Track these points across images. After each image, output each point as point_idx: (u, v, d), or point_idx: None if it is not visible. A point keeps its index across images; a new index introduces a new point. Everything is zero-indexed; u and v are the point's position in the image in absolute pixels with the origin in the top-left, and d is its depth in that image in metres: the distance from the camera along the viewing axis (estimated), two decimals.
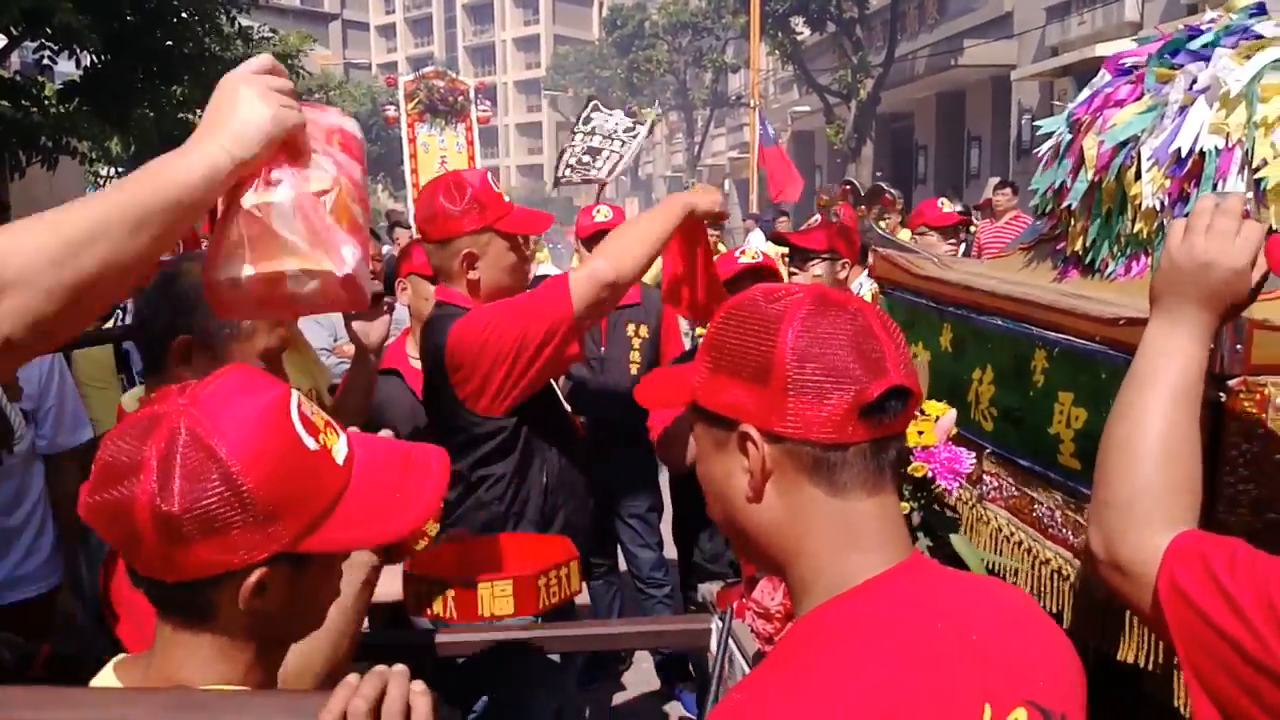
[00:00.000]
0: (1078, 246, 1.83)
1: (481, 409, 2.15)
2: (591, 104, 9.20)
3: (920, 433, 1.50)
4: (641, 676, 4.04)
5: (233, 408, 0.95)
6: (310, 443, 0.98)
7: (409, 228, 11.82)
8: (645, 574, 3.65)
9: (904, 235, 9.50)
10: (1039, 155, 1.99)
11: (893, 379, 0.88)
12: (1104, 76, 1.89)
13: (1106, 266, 1.75)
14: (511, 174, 61.82)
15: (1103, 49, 13.61)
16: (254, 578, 0.95)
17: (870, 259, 2.33)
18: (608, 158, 9.49)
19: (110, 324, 2.79)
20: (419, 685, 0.94)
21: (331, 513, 0.98)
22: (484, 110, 18.65)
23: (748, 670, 2.00)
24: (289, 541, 0.95)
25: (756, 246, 11.90)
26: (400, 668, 0.95)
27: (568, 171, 9.69)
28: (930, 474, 1.49)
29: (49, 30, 8.84)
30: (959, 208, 12.41)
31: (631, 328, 3.53)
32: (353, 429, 1.13)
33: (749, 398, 0.90)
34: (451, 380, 2.15)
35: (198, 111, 12.20)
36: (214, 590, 0.95)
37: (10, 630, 1.87)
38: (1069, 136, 1.88)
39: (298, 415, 0.98)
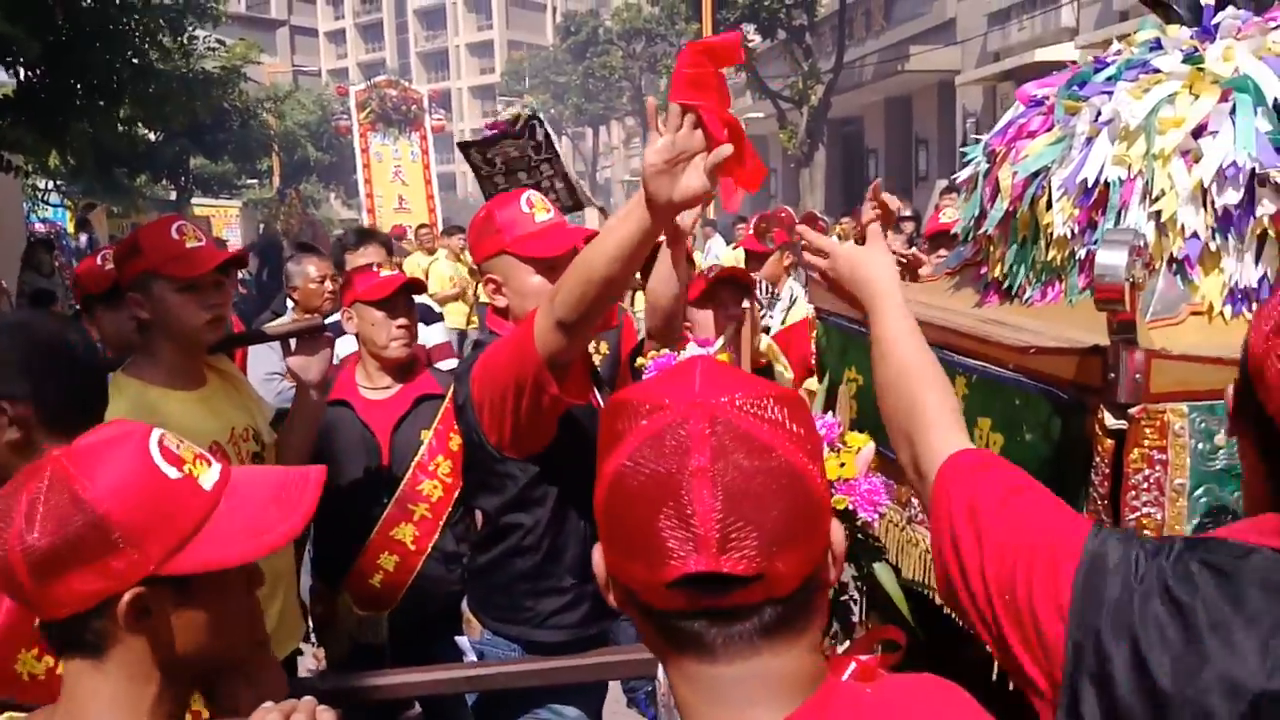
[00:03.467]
0: (997, 272, 1.89)
1: (504, 448, 2.04)
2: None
3: (841, 464, 1.54)
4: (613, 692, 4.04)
5: (97, 451, 1.03)
6: (172, 472, 1.05)
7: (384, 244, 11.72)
8: None
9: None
10: (960, 183, 2.05)
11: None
12: (1017, 107, 1.95)
13: (1024, 292, 1.81)
14: (468, 180, 61.52)
15: (1042, 54, 13.93)
16: (127, 597, 1.00)
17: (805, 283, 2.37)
18: (559, 185, 9.53)
19: None
20: (325, 709, 0.99)
21: (198, 534, 1.05)
22: (438, 119, 18.63)
23: None
24: (158, 563, 1.01)
25: (718, 254, 11.78)
26: (308, 699, 1.02)
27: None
28: (850, 506, 1.53)
29: None
30: (908, 211, 12.58)
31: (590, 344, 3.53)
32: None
33: None
34: (476, 414, 2.05)
35: (139, 127, 12.06)
36: (99, 620, 1.01)
37: None
38: (986, 166, 1.94)
39: (158, 449, 1.06)
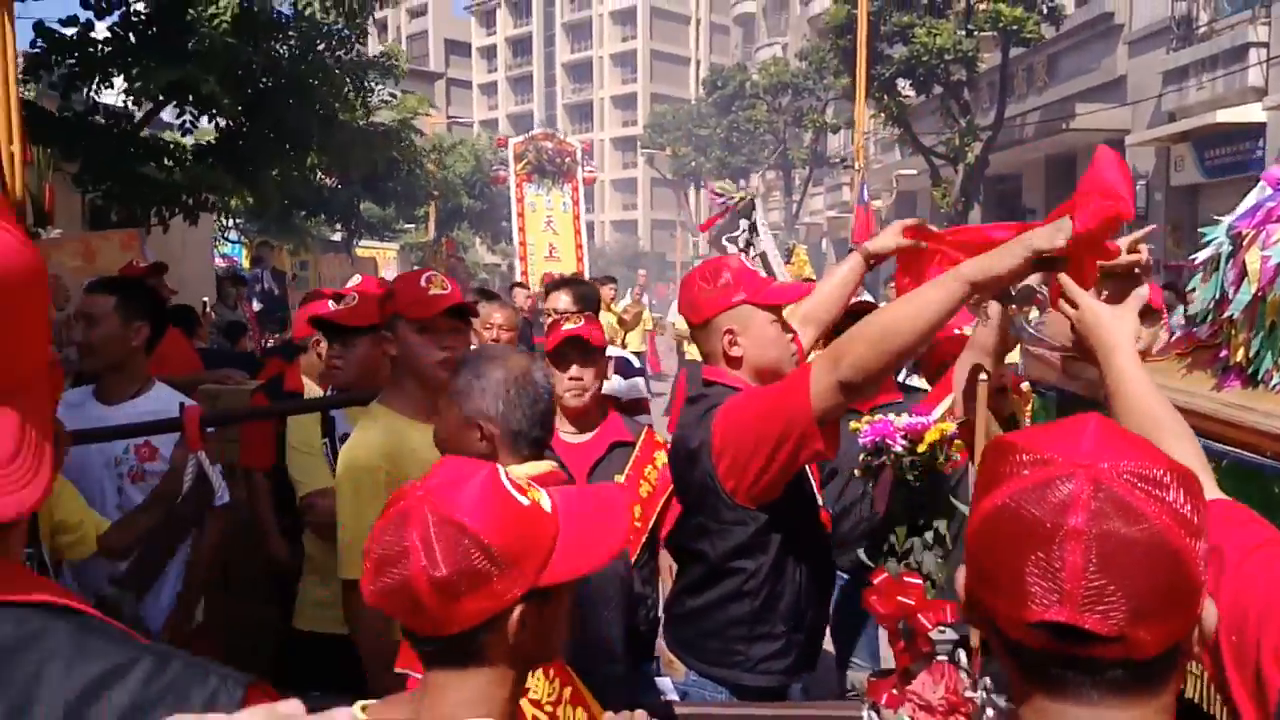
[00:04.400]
0: (1239, 357, 1.87)
1: (739, 496, 2.14)
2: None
3: None
4: None
5: (459, 489, 1.17)
6: (523, 500, 1.21)
7: (526, 287, 12.16)
8: None
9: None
10: (1196, 263, 2.04)
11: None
12: (1264, 189, 1.93)
13: (1271, 378, 1.78)
14: (606, 229, 62.83)
15: (1225, 115, 13.30)
16: (516, 614, 1.16)
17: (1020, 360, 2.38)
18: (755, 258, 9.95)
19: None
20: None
21: (554, 550, 1.21)
22: (589, 170, 19.21)
23: None
24: (532, 580, 1.17)
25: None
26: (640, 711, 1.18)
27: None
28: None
29: (190, 98, 9.48)
30: None
31: None
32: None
33: None
34: (713, 460, 2.15)
35: (321, 177, 12.96)
36: (484, 634, 1.16)
37: None
38: (1229, 248, 1.93)
39: (508, 481, 1.21)
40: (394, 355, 2.40)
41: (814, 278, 14.58)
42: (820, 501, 2.54)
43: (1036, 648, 0.84)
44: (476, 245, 36.02)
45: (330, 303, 3.04)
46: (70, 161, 9.26)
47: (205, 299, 10.50)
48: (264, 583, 3.18)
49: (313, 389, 3.44)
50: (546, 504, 1.25)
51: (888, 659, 2.40)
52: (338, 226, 23.13)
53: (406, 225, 28.72)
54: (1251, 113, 13.02)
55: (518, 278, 17.22)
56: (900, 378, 3.90)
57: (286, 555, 3.06)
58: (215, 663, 0.76)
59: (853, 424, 2.20)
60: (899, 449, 2.07)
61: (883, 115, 18.12)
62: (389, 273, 24.39)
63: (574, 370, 2.85)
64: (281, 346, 5.49)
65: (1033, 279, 1.88)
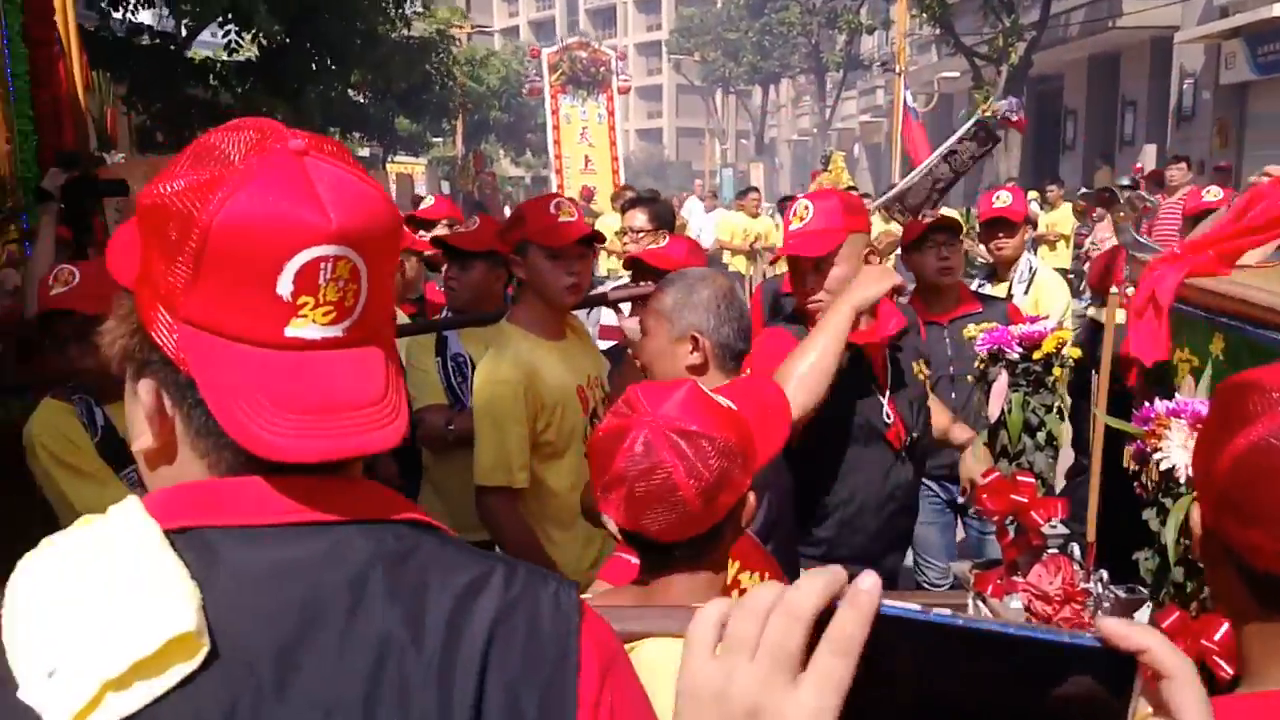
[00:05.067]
0: None
1: None
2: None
3: None
4: None
5: (677, 404, 1.31)
6: (722, 401, 1.37)
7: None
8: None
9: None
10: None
11: None
12: None
13: None
14: (630, 138, 61.95)
15: None
16: (750, 500, 1.35)
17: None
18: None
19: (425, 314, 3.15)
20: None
21: (753, 439, 1.37)
22: (624, 80, 18.90)
23: None
24: (754, 468, 1.34)
25: (700, 224, 11.44)
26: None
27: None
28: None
29: (231, 16, 9.43)
30: (1126, 181, 12.04)
31: None
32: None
33: None
34: None
35: (365, 93, 12.93)
36: (725, 525, 1.32)
37: None
38: None
39: (706, 390, 1.38)
40: (523, 279, 2.50)
41: (855, 185, 14.42)
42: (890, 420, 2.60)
43: None
44: (501, 158, 35.79)
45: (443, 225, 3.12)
46: (119, 83, 9.30)
47: None
48: None
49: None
50: (730, 404, 1.38)
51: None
52: (369, 142, 23.04)
53: (434, 139, 28.53)
54: None
55: (553, 191, 17.19)
56: (974, 286, 3.95)
57: (397, 474, 3.23)
58: (545, 570, 0.84)
59: (967, 331, 2.29)
60: (1015, 355, 2.17)
61: (923, 15, 17.66)
62: (419, 187, 24.37)
63: None
64: None
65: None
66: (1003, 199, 4.11)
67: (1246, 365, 2.10)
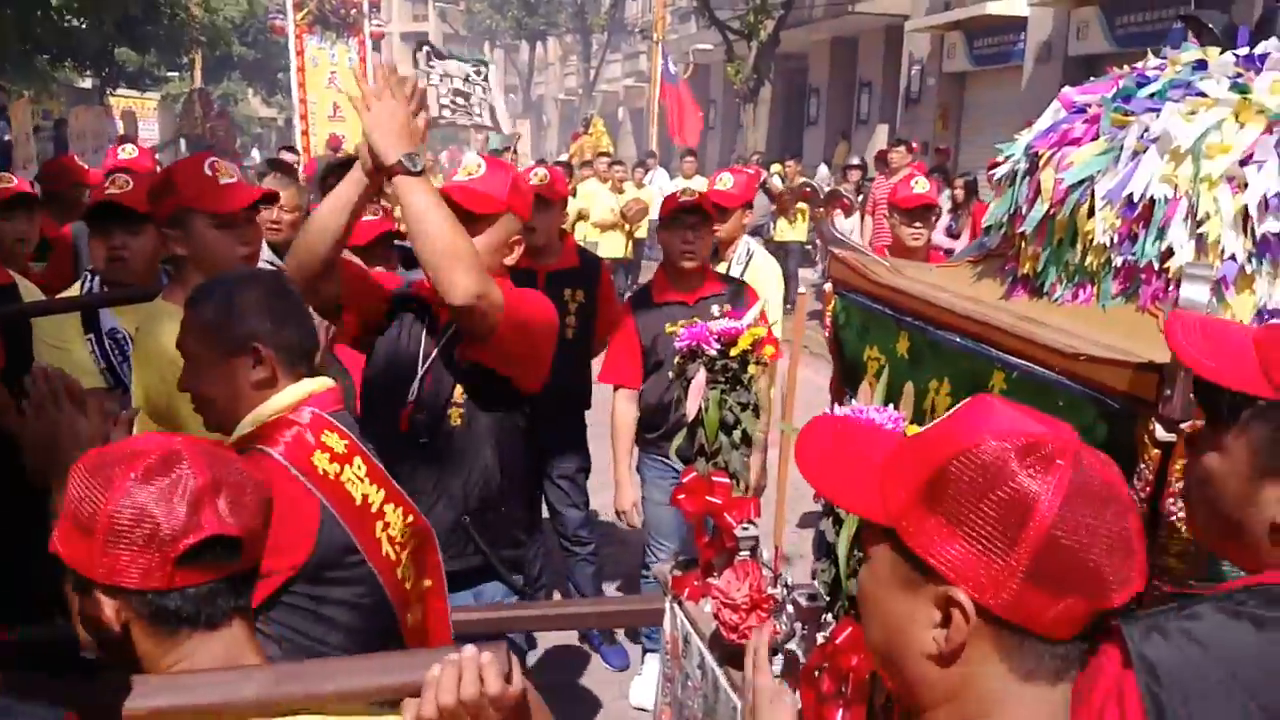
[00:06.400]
0: (1027, 269, 1.99)
1: None
2: (425, 50, 9.23)
3: None
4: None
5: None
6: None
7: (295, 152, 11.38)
8: (570, 532, 3.77)
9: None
10: (992, 177, 2.13)
11: (1135, 587, 0.85)
12: (1059, 111, 2.03)
13: (1055, 290, 1.91)
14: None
15: (994, 8, 14.08)
16: None
17: (826, 261, 2.44)
18: (479, 104, 9.53)
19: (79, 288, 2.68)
20: (486, 656, 1.11)
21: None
22: (377, 25, 17.97)
23: (703, 650, 2.15)
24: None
25: (661, 186, 11.64)
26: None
27: (446, 112, 9.52)
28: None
29: None
30: (856, 160, 12.70)
31: (568, 292, 3.58)
32: None
33: (978, 566, 0.84)
34: None
35: (69, 21, 11.51)
36: None
37: None
38: (1025, 165, 2.03)
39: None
40: (183, 253, 2.18)
41: (609, 151, 14.41)
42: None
43: (1066, 639, 0.87)
44: (250, 97, 33.34)
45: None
46: None
47: None
48: None
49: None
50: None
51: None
52: (88, 73, 20.74)
53: (170, 73, 26.12)
54: (1016, 6, 13.86)
55: (297, 138, 16.13)
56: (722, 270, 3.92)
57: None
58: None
59: (668, 327, 2.22)
60: (713, 352, 2.10)
61: None
62: (149, 126, 22.24)
63: None
64: None
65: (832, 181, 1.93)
66: (922, 185, 4.03)
67: (928, 365, 2.14)
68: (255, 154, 26.68)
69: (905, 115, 17.29)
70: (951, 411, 0.92)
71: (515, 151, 9.55)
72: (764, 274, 3.92)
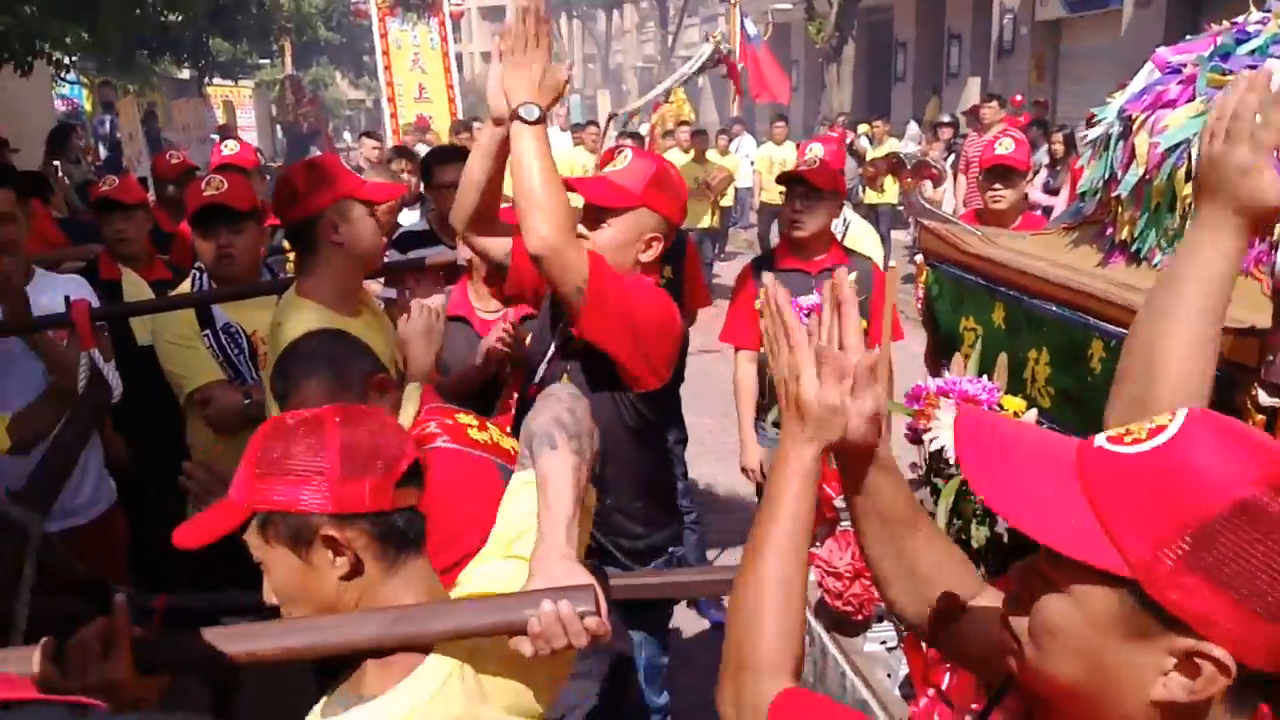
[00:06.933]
0: (1125, 235, 1.98)
1: None
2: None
3: None
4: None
5: None
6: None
7: (376, 138, 11.59)
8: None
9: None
10: (1085, 140, 2.11)
11: None
12: (1153, 72, 2.00)
13: (1154, 256, 1.90)
14: (475, 61, 59.99)
15: None
16: None
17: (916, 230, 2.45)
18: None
19: (189, 285, 2.84)
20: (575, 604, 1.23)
21: None
22: (456, 4, 18.12)
23: (809, 616, 2.21)
24: None
25: (749, 153, 11.43)
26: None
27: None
28: None
29: None
30: (946, 117, 12.36)
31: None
32: None
33: (1248, 627, 0.78)
34: None
35: (165, 15, 11.89)
36: None
37: (65, 556, 1.96)
38: (1119, 129, 2.01)
39: None
40: (339, 242, 2.26)
41: (690, 119, 14.33)
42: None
43: None
44: (339, 81, 34.00)
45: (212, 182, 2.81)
46: None
47: (56, 162, 9.62)
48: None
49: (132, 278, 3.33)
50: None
51: None
52: (186, 65, 21.45)
53: (261, 61, 26.80)
54: None
55: (386, 120, 16.41)
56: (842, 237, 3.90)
57: (126, 456, 3.03)
58: None
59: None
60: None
61: None
62: (245, 114, 22.90)
63: None
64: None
65: (921, 152, 1.93)
66: (1006, 145, 3.61)
67: (1025, 335, 2.14)
68: (346, 136, 27.25)
69: (998, 67, 16.75)
70: (1169, 434, 0.83)
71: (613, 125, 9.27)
72: (865, 243, 3.89)
